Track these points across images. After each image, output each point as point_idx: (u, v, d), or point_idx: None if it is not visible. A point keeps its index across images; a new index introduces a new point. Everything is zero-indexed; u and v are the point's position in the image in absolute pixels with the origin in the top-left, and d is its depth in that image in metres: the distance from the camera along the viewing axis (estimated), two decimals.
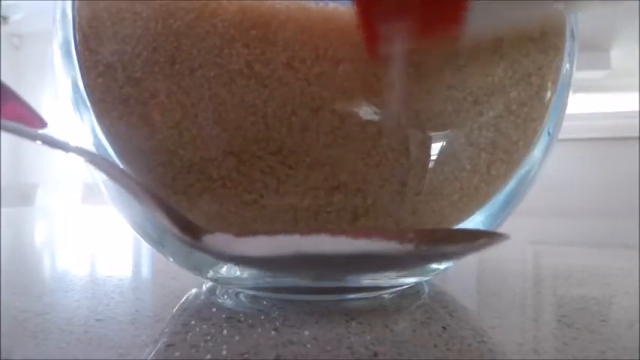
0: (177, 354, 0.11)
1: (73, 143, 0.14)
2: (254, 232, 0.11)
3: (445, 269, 0.16)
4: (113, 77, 0.14)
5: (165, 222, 0.11)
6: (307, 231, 0.10)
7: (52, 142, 0.12)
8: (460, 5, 0.11)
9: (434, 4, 0.11)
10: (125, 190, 0.12)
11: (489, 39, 0.13)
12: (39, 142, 0.12)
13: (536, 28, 0.14)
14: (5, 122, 0.12)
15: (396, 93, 0.13)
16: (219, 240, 0.11)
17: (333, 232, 0.10)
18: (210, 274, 0.15)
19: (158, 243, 0.15)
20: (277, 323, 0.13)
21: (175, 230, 0.11)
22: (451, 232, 0.11)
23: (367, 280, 0.15)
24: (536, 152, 0.15)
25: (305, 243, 0.10)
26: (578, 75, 0.16)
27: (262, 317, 0.13)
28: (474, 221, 0.15)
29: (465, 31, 0.12)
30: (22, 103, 0.14)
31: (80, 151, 0.13)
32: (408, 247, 0.10)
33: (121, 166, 0.15)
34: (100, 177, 0.15)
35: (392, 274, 0.15)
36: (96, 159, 0.13)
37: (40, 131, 0.13)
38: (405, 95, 0.13)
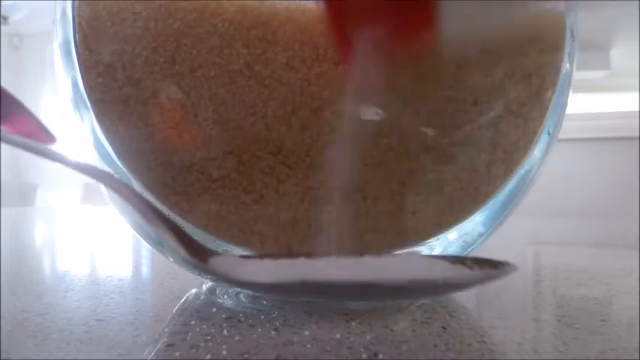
0: (177, 354, 0.11)
1: (83, 161, 0.14)
2: (260, 255, 0.11)
3: None
4: (113, 77, 0.14)
5: (172, 242, 0.11)
6: (314, 254, 0.10)
7: (61, 160, 0.12)
8: (430, 5, 0.11)
9: (403, 7, 0.11)
10: (133, 207, 0.12)
11: (475, 41, 0.13)
12: (48, 159, 0.12)
13: (536, 29, 0.14)
14: (7, 135, 0.12)
15: (364, 95, 0.13)
16: (225, 263, 0.11)
17: (341, 256, 0.10)
18: None
19: (158, 243, 0.15)
20: (277, 323, 0.13)
21: (182, 251, 0.11)
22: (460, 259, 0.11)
23: None
24: (536, 152, 0.15)
25: (312, 269, 0.10)
26: (578, 75, 0.16)
27: (262, 317, 0.13)
28: (474, 221, 0.15)
29: (438, 34, 0.12)
30: (32, 118, 0.14)
31: (89, 170, 0.13)
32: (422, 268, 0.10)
33: (121, 166, 0.15)
34: None
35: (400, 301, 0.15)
36: (105, 177, 0.13)
37: (48, 146, 0.13)
38: (375, 97, 0.13)
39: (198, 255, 0.11)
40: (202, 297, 0.16)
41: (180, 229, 0.12)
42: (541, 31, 0.14)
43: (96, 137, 0.15)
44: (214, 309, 0.14)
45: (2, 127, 0.14)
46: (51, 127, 0.15)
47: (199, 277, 0.16)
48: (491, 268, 0.10)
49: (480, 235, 0.16)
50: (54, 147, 0.13)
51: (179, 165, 0.14)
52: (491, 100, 0.14)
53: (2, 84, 0.15)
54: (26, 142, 0.12)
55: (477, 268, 0.10)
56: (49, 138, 0.14)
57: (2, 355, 0.11)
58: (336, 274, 0.09)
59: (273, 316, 0.14)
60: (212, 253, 0.12)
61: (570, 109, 0.16)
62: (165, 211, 0.14)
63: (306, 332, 0.12)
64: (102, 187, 0.16)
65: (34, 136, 0.14)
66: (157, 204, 0.14)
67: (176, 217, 0.14)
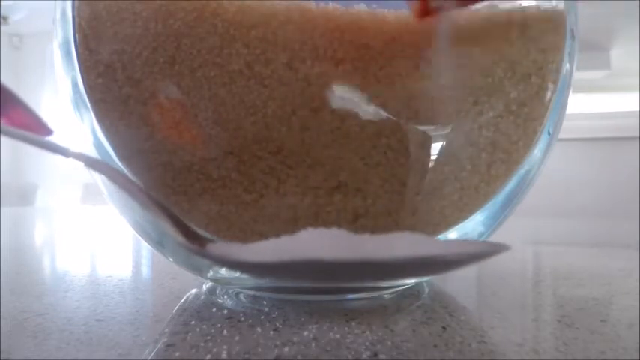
0: (177, 354, 0.11)
1: (79, 150, 0.14)
2: (258, 240, 0.11)
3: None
4: (113, 77, 0.14)
5: (169, 229, 0.11)
6: (311, 234, 0.10)
7: (59, 150, 0.12)
8: None
9: None
10: (131, 197, 0.12)
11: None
12: (46, 150, 0.12)
13: (536, 29, 0.14)
14: (7, 128, 0.12)
15: (443, 52, 0.13)
16: (223, 247, 0.11)
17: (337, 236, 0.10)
18: (210, 274, 0.15)
19: (158, 243, 0.15)
20: (277, 323, 0.13)
21: (180, 238, 0.11)
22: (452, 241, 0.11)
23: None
24: (536, 152, 0.15)
25: (308, 248, 0.10)
26: (578, 75, 0.16)
27: (262, 317, 0.13)
28: (474, 221, 0.15)
29: None
30: (28, 111, 0.14)
31: (87, 160, 0.13)
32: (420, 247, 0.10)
33: (121, 166, 0.15)
34: (99, 177, 0.15)
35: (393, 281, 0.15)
36: (103, 167, 0.13)
37: (46, 138, 0.13)
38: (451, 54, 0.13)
39: (195, 241, 0.11)
40: (202, 297, 0.16)
41: (177, 217, 0.12)
42: (541, 31, 0.14)
43: (96, 137, 0.15)
44: (214, 309, 0.14)
45: (1, 120, 0.14)
46: (48, 121, 0.15)
47: (199, 277, 0.16)
48: (484, 247, 0.11)
49: (480, 235, 0.16)
50: (51, 139, 0.13)
51: (179, 165, 0.14)
52: (491, 100, 0.14)
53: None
54: (25, 134, 0.12)
55: (470, 248, 0.11)
56: (46, 131, 0.14)
57: (2, 355, 0.11)
58: (337, 253, 0.09)
59: (273, 316, 0.14)
60: (209, 240, 0.12)
61: (570, 109, 0.16)
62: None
63: (306, 332, 0.12)
64: (101, 187, 0.16)
65: (32, 129, 0.14)
66: None
67: None
